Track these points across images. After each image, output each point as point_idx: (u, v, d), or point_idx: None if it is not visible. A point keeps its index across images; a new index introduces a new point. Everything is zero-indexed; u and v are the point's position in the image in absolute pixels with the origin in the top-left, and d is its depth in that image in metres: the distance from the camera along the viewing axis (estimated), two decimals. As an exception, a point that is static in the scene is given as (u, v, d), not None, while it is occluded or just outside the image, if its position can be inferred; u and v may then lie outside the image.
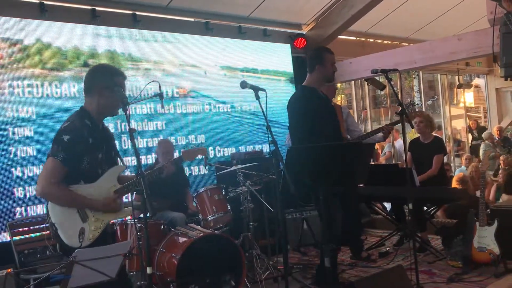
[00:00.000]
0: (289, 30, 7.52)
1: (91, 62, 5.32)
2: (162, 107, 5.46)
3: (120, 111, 2.79)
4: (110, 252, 2.28)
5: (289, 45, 7.37)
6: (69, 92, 5.19)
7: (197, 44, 6.33)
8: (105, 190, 2.75)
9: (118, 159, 2.94)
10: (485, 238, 4.27)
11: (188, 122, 6.12)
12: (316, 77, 3.98)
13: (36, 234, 4.46)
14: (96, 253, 2.21)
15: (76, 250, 2.19)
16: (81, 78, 5.21)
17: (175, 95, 6.03)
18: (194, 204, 4.94)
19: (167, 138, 5.56)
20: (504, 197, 6.26)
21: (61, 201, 2.65)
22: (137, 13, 5.76)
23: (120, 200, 2.82)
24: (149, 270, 2.55)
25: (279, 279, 4.42)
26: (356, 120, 6.84)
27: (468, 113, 13.81)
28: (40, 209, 4.81)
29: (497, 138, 10.95)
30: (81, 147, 2.65)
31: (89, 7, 5.39)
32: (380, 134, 4.94)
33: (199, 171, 6.08)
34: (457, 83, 11.67)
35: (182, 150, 3.53)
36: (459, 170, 9.65)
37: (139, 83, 5.59)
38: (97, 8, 5.41)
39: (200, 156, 3.62)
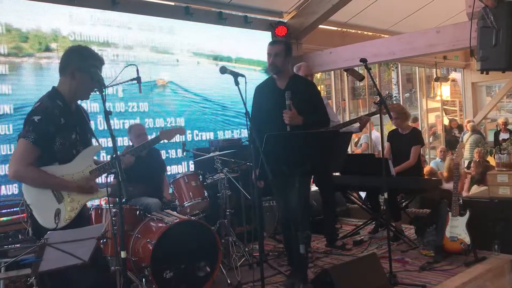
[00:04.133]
0: (270, 18, 7.48)
1: (53, 46, 5.08)
2: (140, 91, 5.37)
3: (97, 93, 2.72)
4: (83, 235, 2.24)
5: (269, 33, 7.33)
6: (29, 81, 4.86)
7: (171, 29, 6.17)
8: (81, 171, 2.71)
9: (94, 139, 2.90)
10: (457, 228, 4.36)
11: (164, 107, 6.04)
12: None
13: (8, 217, 4.37)
14: (68, 235, 2.18)
15: (48, 232, 2.15)
16: (41, 66, 4.98)
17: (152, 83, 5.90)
18: (171, 190, 4.91)
19: (138, 122, 5.49)
20: (474, 188, 6.38)
21: (35, 183, 2.61)
22: (116, -5, 5.63)
23: (95, 183, 2.78)
24: (123, 254, 2.52)
25: (254, 265, 4.43)
26: (334, 111, 6.78)
27: (444, 107, 14.03)
28: (13, 189, 4.67)
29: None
30: (53, 127, 2.60)
31: (66, -12, 5.25)
32: (357, 125, 4.98)
33: (176, 155, 6.03)
34: (435, 76, 11.82)
35: (160, 130, 3.47)
36: (434, 162, 9.82)
37: (105, 69, 5.37)
38: (74, -11, 5.27)
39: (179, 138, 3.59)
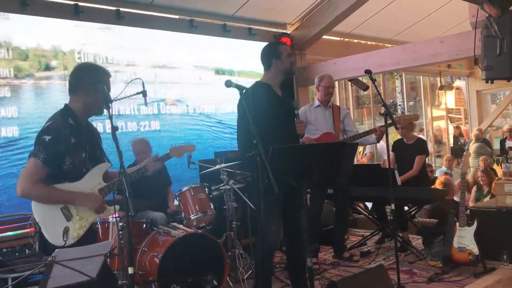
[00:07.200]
0: (274, 30, 7.52)
1: (54, 64, 5.06)
2: (146, 105, 5.40)
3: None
4: (90, 252, 2.24)
5: (273, 44, 7.36)
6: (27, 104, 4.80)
7: (172, 43, 6.20)
8: (89, 189, 2.71)
9: (104, 157, 2.90)
10: (465, 238, 4.32)
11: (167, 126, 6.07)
12: (273, 73, 3.71)
13: (15, 232, 4.38)
14: (76, 253, 2.18)
15: (56, 250, 2.15)
16: (40, 87, 4.96)
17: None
18: (176, 202, 4.90)
19: (141, 137, 5.49)
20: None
21: (42, 199, 2.61)
22: (121, 9, 5.68)
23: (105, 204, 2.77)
24: (130, 270, 2.52)
25: (261, 278, 4.41)
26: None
27: (449, 115, 13.99)
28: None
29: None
30: (63, 147, 2.61)
31: (72, 2, 5.29)
32: (374, 136, 4.92)
33: (182, 169, 6.02)
34: (439, 84, 11.80)
35: (170, 147, 3.44)
36: (439, 170, 9.77)
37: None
38: (80, 4, 5.31)
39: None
